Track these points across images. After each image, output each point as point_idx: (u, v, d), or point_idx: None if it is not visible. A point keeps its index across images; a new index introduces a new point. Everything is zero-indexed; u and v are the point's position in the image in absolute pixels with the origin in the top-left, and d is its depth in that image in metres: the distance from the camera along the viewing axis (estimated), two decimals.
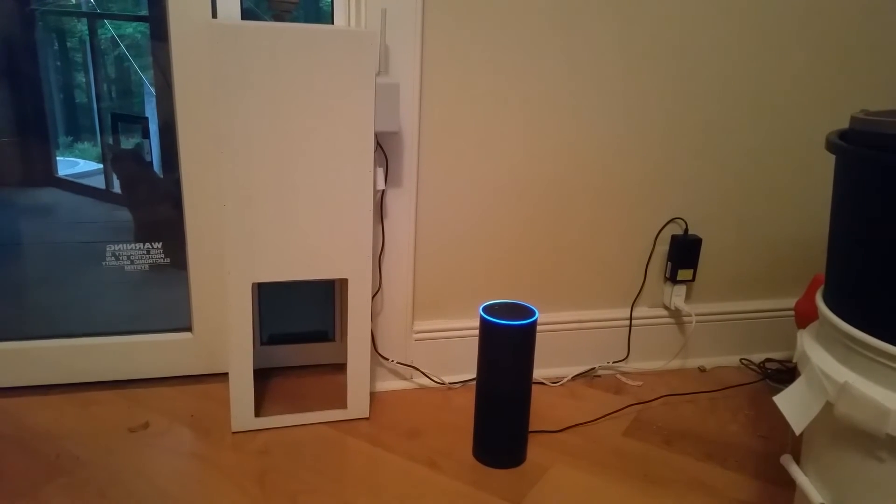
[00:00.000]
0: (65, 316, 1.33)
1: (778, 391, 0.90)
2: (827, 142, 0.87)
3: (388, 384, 1.38)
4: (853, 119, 0.84)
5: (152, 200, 1.33)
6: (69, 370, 1.32)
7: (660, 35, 1.31)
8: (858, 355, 0.79)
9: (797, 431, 0.85)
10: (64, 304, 1.32)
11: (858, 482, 0.80)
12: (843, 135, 0.86)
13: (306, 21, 1.32)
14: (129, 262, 1.33)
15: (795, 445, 0.96)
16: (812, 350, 0.87)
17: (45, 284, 1.31)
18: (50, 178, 1.30)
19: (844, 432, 0.81)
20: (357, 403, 1.26)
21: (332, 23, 1.26)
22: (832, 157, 0.87)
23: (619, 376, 1.47)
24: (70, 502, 1.00)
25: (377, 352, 1.35)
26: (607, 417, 1.31)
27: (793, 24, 1.37)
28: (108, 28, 1.29)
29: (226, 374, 1.23)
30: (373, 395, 1.34)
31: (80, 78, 1.31)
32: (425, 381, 1.40)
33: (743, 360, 1.56)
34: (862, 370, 0.79)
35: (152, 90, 1.28)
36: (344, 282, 1.29)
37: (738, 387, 1.45)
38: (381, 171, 1.23)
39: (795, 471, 0.92)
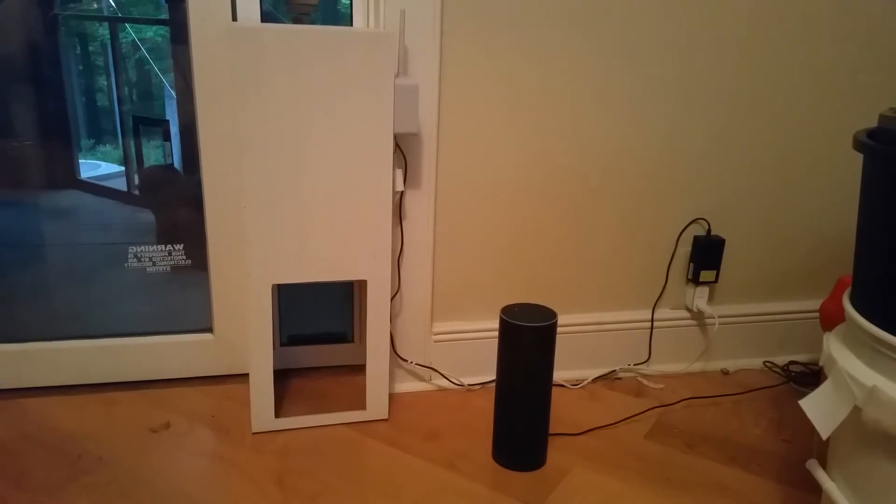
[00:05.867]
0: (87, 317, 1.34)
1: (802, 394, 0.89)
2: (855, 141, 0.85)
3: (407, 385, 1.38)
4: (882, 117, 0.82)
5: (174, 202, 1.34)
6: (91, 370, 1.33)
7: (679, 37, 1.29)
8: (887, 358, 0.78)
9: (824, 436, 0.83)
10: (86, 305, 1.34)
11: (888, 489, 0.79)
12: (871, 133, 0.85)
13: (325, 23, 1.33)
14: (150, 263, 1.34)
15: (821, 450, 0.94)
16: (839, 353, 0.86)
17: (67, 286, 1.33)
18: (72, 181, 1.31)
19: (873, 437, 0.80)
20: (376, 405, 1.26)
21: (351, 24, 1.27)
22: (856, 155, 0.85)
23: (640, 379, 1.46)
24: (92, 502, 1.01)
25: (396, 353, 1.35)
26: (628, 420, 1.30)
27: (814, 20, 1.34)
28: (129, 32, 1.30)
29: (246, 375, 1.23)
30: (392, 396, 1.34)
31: (102, 81, 1.32)
32: (444, 383, 1.40)
33: (766, 363, 1.54)
34: (891, 373, 0.77)
35: (173, 93, 1.29)
36: (363, 283, 1.29)
37: (762, 390, 1.43)
38: (399, 173, 1.22)
39: (822, 476, 0.90)
